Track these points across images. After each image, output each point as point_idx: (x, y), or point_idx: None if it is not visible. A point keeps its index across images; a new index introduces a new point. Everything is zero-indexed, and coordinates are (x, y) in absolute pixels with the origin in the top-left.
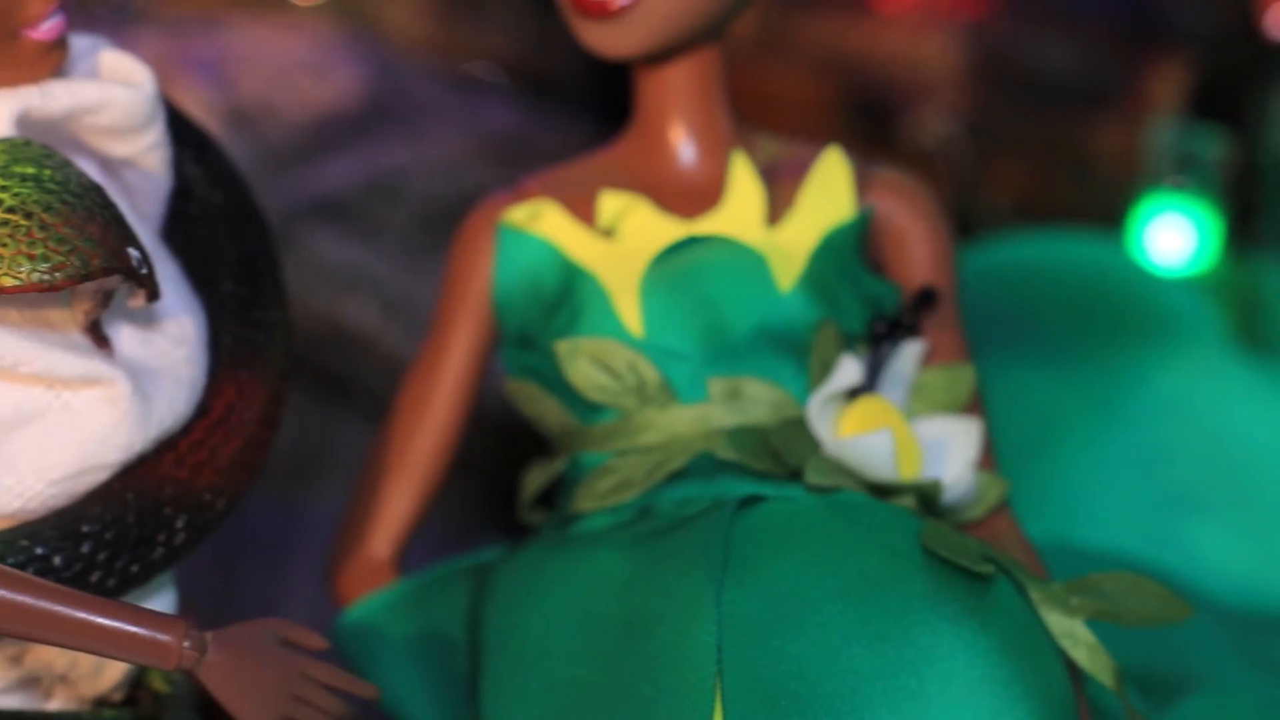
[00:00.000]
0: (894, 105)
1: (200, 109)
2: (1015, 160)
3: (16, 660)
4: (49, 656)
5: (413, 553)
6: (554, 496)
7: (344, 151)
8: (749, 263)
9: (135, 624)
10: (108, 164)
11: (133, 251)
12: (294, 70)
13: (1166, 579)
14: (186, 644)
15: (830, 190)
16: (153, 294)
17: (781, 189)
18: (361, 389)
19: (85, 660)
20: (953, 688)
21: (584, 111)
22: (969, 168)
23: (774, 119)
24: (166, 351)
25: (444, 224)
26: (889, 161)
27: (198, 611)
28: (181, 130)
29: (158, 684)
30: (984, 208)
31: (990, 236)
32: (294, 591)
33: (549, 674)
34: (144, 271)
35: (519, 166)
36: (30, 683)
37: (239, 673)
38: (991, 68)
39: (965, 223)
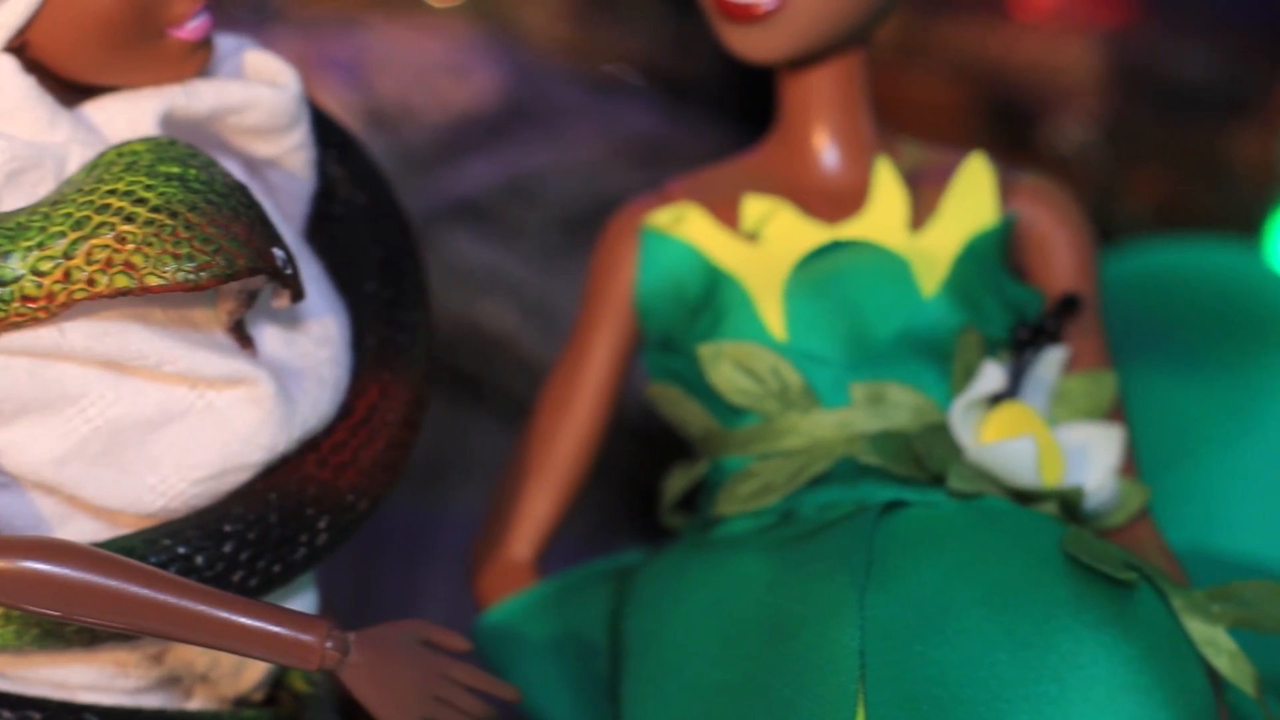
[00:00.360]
0: (1032, 111)
1: (338, 110)
2: (1153, 167)
3: (158, 659)
4: (190, 656)
5: (552, 555)
6: (695, 500)
7: (482, 153)
8: (892, 268)
9: (278, 624)
10: (252, 164)
11: (277, 251)
12: (432, 72)
13: None
14: (329, 644)
15: (974, 196)
16: (297, 294)
17: (925, 194)
18: (498, 391)
19: (226, 660)
20: (1094, 695)
21: (721, 114)
22: (1107, 175)
23: (912, 124)
24: (310, 352)
25: (582, 226)
26: (1026, 168)
27: (336, 612)
28: (325, 131)
29: (298, 684)
30: (1122, 215)
31: (1128, 244)
32: (430, 592)
33: (690, 677)
34: (288, 271)
35: (657, 169)
36: (171, 682)
37: (381, 673)
38: (1130, 75)
39: (1103, 230)
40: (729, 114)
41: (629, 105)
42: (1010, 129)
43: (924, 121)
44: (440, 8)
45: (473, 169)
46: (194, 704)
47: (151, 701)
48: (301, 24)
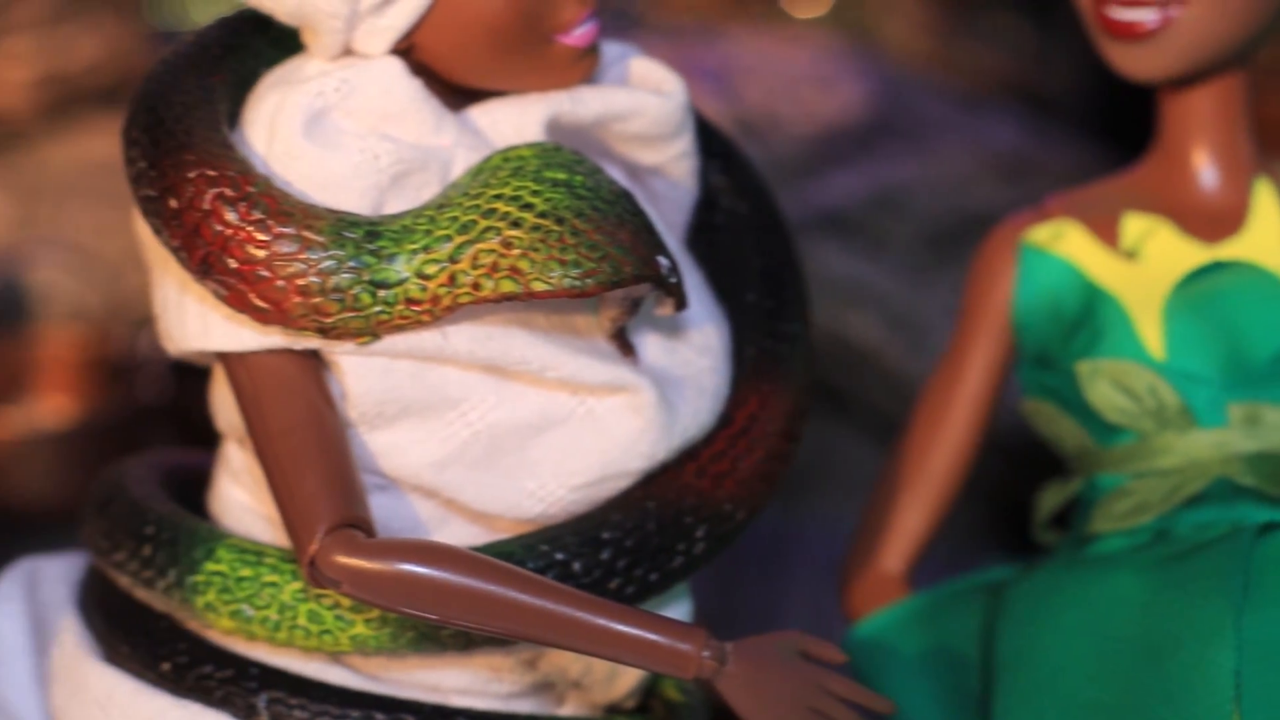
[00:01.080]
0: None
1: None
2: None
3: (531, 665)
4: (564, 662)
5: (918, 570)
6: (1067, 517)
7: (848, 165)
8: (1272, 289)
9: (655, 632)
10: (634, 171)
11: (662, 260)
12: (799, 82)
13: None
14: (706, 653)
15: None
16: (680, 303)
17: None
18: (862, 404)
19: (600, 666)
20: None
21: (1085, 129)
22: None
23: (1274, 144)
24: (691, 360)
25: (949, 241)
26: None
27: (701, 620)
28: (708, 140)
29: (671, 693)
30: None
31: None
32: (791, 602)
33: (1064, 695)
34: (673, 280)
35: (1023, 185)
36: (544, 688)
37: (757, 684)
38: None
39: None
40: (1092, 129)
41: (994, 120)
42: None
43: None
44: (802, 19)
45: (839, 181)
46: (566, 710)
47: (524, 707)
48: (666, 32)
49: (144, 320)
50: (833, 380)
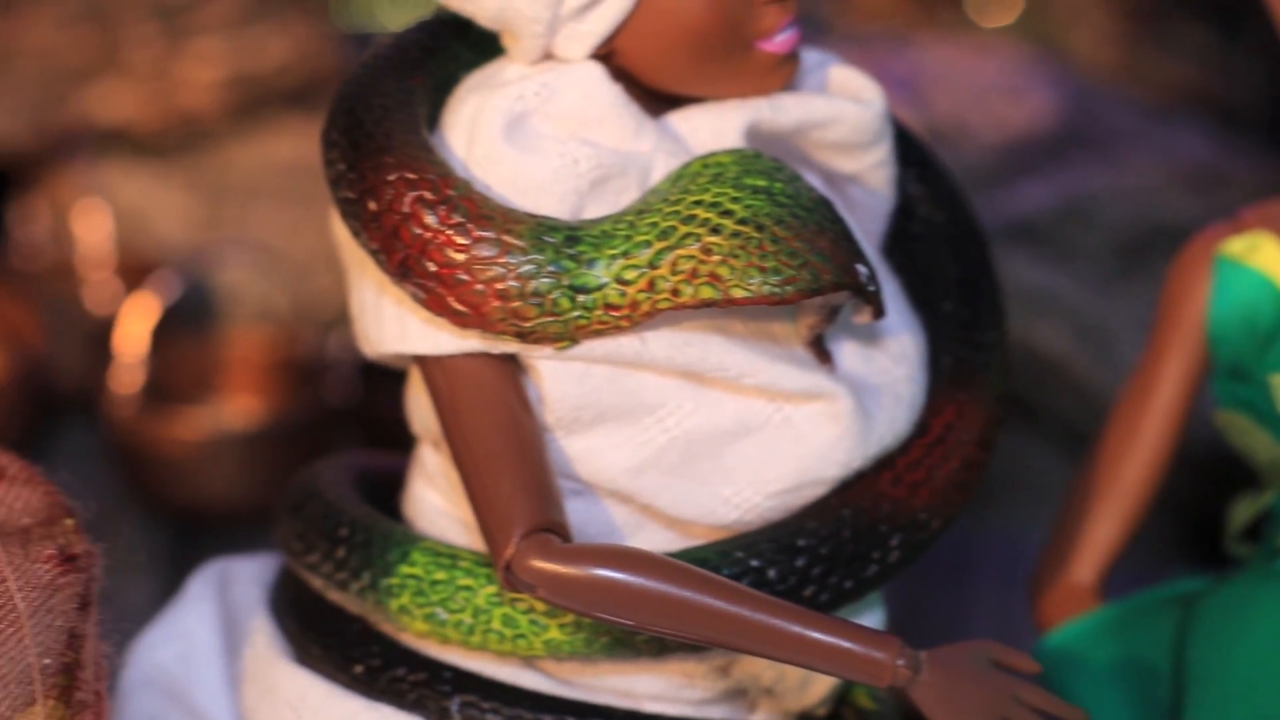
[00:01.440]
0: None
1: None
2: None
3: (724, 671)
4: (757, 669)
5: (1108, 581)
6: (1259, 529)
7: (1037, 175)
8: None
9: (850, 640)
10: (831, 179)
11: (860, 268)
12: (988, 92)
13: None
14: (900, 662)
15: None
16: (878, 311)
17: None
18: (1049, 414)
19: (793, 674)
20: None
21: (1273, 141)
22: None
23: None
24: (887, 369)
25: (1138, 252)
26: None
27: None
28: (906, 148)
29: (863, 700)
30: None
31: None
32: (977, 611)
33: (1256, 707)
34: (871, 288)
35: (1213, 197)
36: (736, 695)
37: (951, 693)
38: None
39: None
40: None
41: (1183, 130)
42: None
43: None
44: (989, 28)
45: (1028, 190)
46: (757, 717)
47: (716, 714)
48: (855, 39)
49: (332, 321)
50: (1021, 390)
